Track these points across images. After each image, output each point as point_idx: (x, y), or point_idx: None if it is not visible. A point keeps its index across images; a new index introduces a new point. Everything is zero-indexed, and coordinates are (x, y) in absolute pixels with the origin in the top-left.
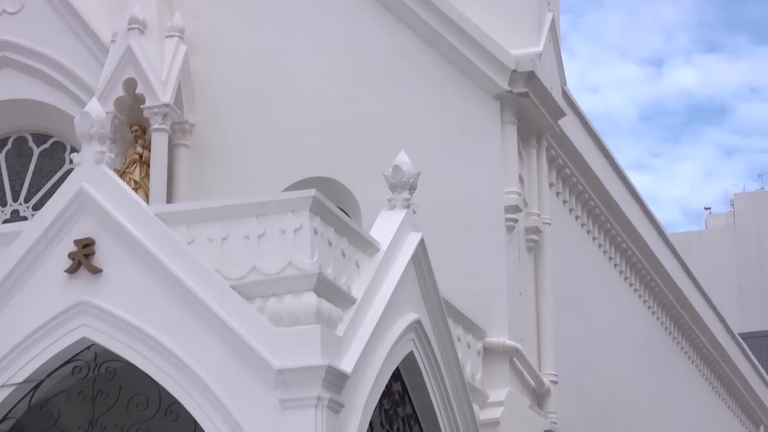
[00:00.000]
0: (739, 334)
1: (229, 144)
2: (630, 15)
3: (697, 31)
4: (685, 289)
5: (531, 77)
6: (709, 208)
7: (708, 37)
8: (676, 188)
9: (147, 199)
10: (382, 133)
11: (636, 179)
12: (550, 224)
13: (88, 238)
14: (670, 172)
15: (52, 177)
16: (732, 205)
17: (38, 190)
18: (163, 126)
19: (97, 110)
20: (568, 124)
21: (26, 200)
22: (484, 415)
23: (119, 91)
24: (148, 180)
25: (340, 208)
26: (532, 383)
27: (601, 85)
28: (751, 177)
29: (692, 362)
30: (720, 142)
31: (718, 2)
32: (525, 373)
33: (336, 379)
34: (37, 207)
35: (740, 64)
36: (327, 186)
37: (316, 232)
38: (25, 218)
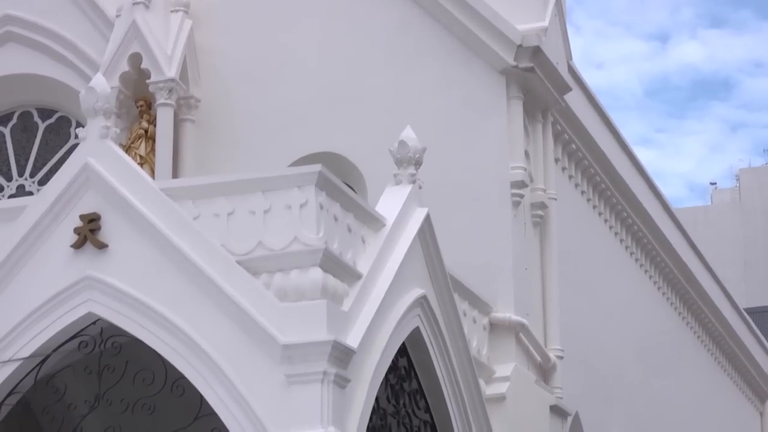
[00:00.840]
0: (745, 309)
1: (234, 119)
2: None
3: (703, 5)
4: (690, 264)
5: (536, 52)
6: (715, 183)
7: (713, 12)
8: (682, 163)
9: (152, 174)
10: (388, 109)
11: (641, 154)
12: (555, 199)
13: (94, 213)
14: (676, 147)
15: (57, 152)
16: (737, 180)
17: (44, 164)
18: (168, 101)
19: (102, 85)
20: (574, 99)
21: (32, 175)
22: (490, 390)
23: (124, 66)
24: (154, 155)
25: (346, 184)
26: (538, 358)
27: (607, 60)
28: (757, 152)
29: (697, 337)
30: (725, 117)
31: None
32: (531, 348)
33: (342, 354)
34: (42, 182)
35: (745, 39)
36: (333, 161)
37: (321, 208)
38: (30, 193)
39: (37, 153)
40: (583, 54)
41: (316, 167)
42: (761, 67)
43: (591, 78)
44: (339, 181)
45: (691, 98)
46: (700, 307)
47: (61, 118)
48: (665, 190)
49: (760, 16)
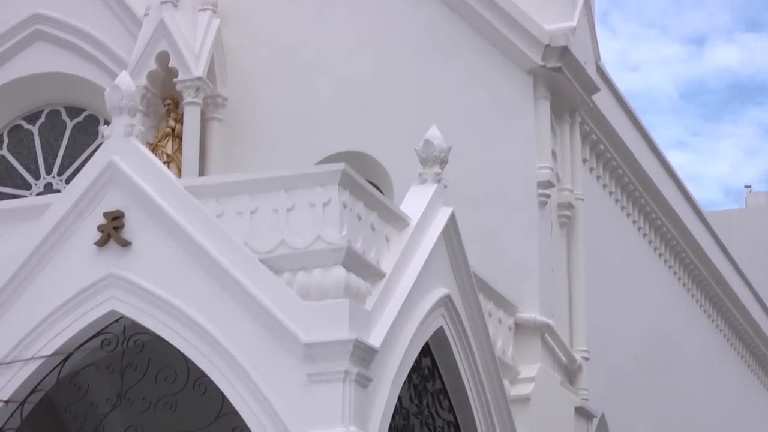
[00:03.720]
0: None
1: (261, 118)
2: None
3: (739, 9)
4: (720, 267)
5: (564, 52)
6: (750, 186)
7: (750, 15)
8: (717, 167)
9: (179, 172)
10: (415, 108)
11: (677, 158)
12: (583, 200)
13: (118, 211)
14: (711, 150)
15: (85, 150)
16: None
17: (72, 163)
18: (195, 100)
19: (127, 83)
20: (603, 100)
21: (59, 173)
22: (514, 390)
23: (152, 65)
24: (181, 153)
25: (373, 183)
26: (564, 359)
27: (642, 63)
28: None
29: (727, 339)
30: (761, 121)
31: None
32: (556, 349)
33: (364, 354)
34: (70, 180)
35: None
36: (359, 160)
37: (345, 206)
38: (58, 191)
39: (65, 151)
40: (619, 56)
41: (340, 165)
42: None
43: (626, 80)
44: (362, 179)
45: (727, 101)
46: (730, 309)
47: (89, 116)
48: (700, 194)
49: None
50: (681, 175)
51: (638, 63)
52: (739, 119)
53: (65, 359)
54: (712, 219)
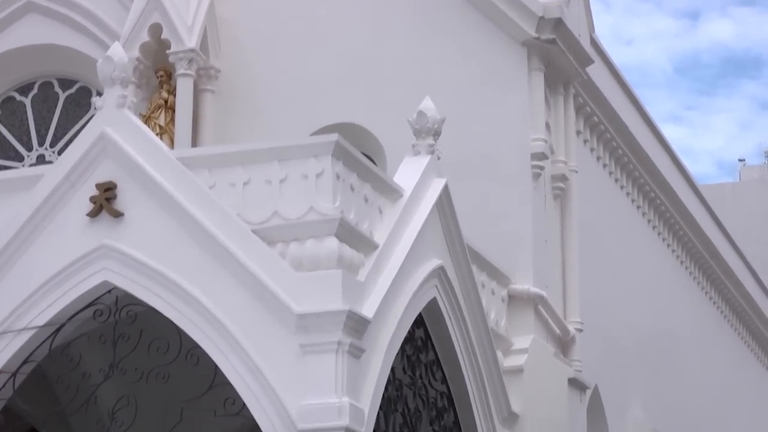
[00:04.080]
0: None
1: (254, 89)
2: None
3: None
4: (714, 240)
5: (558, 24)
6: (743, 160)
7: None
8: (711, 141)
9: (172, 144)
10: (408, 80)
11: (671, 131)
12: (576, 172)
13: (110, 182)
14: (705, 124)
15: (77, 122)
16: (766, 157)
17: (64, 134)
18: (188, 71)
19: (120, 54)
20: (597, 72)
21: (52, 145)
22: (507, 362)
23: (145, 36)
24: (174, 125)
25: (367, 155)
26: (557, 331)
27: (636, 37)
28: None
29: (721, 312)
30: (755, 95)
31: None
32: (550, 320)
33: (357, 324)
34: (62, 152)
35: None
36: (353, 132)
37: (338, 177)
38: (50, 163)
39: (58, 123)
40: (613, 30)
41: (333, 136)
42: None
43: (620, 54)
44: (356, 150)
45: (721, 76)
46: (723, 282)
47: (81, 88)
48: (694, 167)
49: None
50: (675, 148)
51: (632, 37)
52: (733, 93)
53: (57, 330)
54: (706, 192)
